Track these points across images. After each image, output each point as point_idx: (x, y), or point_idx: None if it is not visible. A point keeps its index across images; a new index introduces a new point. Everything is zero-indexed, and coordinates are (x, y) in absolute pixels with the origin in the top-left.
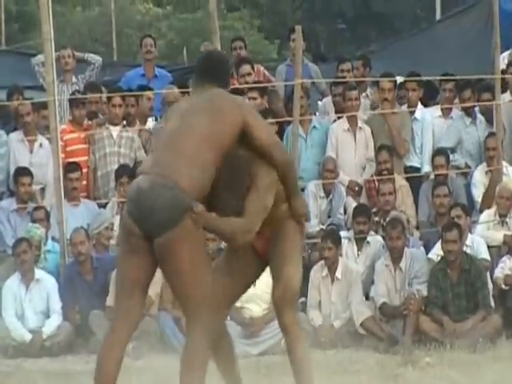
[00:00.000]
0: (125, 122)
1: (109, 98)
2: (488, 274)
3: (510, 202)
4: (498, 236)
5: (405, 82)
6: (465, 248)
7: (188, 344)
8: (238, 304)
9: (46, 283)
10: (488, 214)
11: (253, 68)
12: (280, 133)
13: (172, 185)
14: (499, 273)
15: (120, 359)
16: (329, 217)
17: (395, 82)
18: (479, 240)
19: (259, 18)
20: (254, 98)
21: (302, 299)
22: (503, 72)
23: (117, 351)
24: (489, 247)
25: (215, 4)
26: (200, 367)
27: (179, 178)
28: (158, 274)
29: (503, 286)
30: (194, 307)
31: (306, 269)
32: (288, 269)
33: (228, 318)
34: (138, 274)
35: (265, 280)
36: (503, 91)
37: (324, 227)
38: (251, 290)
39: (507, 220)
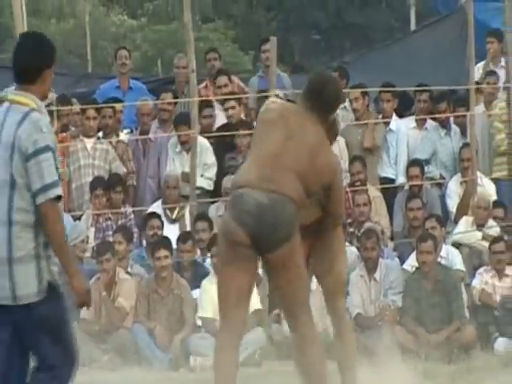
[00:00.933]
0: (100, 134)
1: (83, 110)
2: (463, 284)
3: (488, 212)
4: (477, 234)
5: (379, 92)
6: (439, 259)
7: (307, 334)
8: (210, 316)
9: None
10: (466, 221)
11: (229, 79)
12: None
13: (289, 200)
14: (477, 284)
15: (237, 364)
16: None
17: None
18: (454, 251)
19: (234, 29)
20: (233, 108)
21: (277, 311)
22: (478, 83)
23: (232, 359)
24: (464, 248)
25: (190, 15)
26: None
27: (289, 190)
28: (132, 286)
29: (477, 302)
30: (303, 306)
31: None
32: (337, 265)
33: (203, 330)
34: (244, 283)
35: None
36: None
37: None
38: None
39: (484, 230)
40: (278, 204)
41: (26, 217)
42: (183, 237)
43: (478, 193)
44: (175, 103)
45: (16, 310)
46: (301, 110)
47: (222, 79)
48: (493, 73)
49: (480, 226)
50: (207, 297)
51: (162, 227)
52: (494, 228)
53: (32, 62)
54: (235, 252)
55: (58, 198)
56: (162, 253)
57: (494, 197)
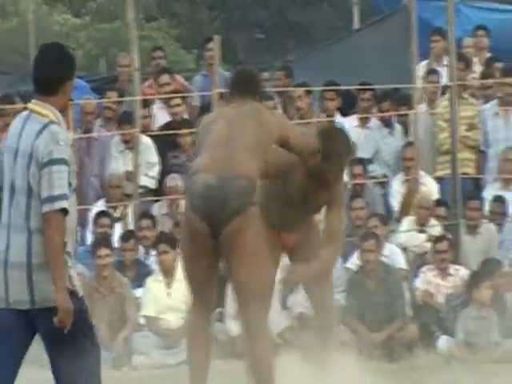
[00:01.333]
0: None
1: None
2: (405, 283)
3: (429, 212)
4: (420, 237)
5: (323, 91)
6: (382, 258)
7: (254, 328)
8: (153, 314)
9: None
10: (408, 220)
11: (171, 78)
12: None
13: (238, 175)
14: (419, 283)
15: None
16: None
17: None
18: (396, 250)
19: (177, 28)
20: (178, 106)
21: (219, 309)
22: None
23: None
24: (409, 252)
25: (133, 14)
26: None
27: (240, 167)
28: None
29: (420, 302)
30: (256, 298)
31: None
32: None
33: (145, 329)
34: (207, 274)
35: (179, 290)
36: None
37: None
38: (167, 301)
39: (426, 229)
40: (226, 182)
41: (43, 224)
42: (125, 235)
43: (419, 192)
44: (120, 102)
45: (34, 313)
46: (231, 102)
47: (165, 78)
48: (434, 71)
49: (422, 225)
50: (150, 295)
51: (111, 226)
52: (436, 227)
53: (54, 74)
54: (196, 244)
55: (64, 211)
56: (103, 251)
57: (437, 195)
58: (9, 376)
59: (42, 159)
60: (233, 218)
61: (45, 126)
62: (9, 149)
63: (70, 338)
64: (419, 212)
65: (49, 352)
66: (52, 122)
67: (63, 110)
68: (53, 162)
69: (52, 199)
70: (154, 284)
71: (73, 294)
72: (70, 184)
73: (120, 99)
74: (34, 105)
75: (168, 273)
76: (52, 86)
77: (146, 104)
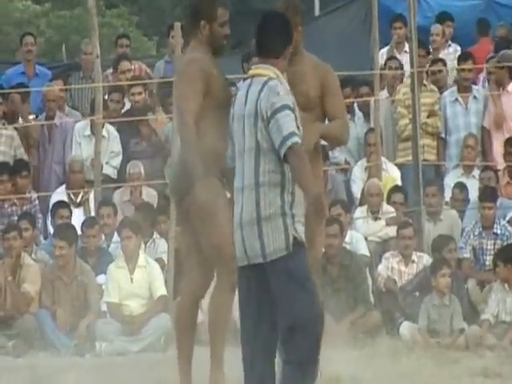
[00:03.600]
0: (3, 121)
1: None
2: (367, 269)
3: (379, 199)
4: (377, 224)
5: None
6: (344, 245)
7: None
8: (116, 301)
9: None
10: (361, 211)
11: (131, 64)
12: None
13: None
14: (382, 270)
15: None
16: None
17: None
18: (358, 236)
19: (138, 15)
20: (140, 93)
21: None
22: (382, 68)
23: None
24: (368, 241)
25: (94, 1)
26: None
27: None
28: (38, 271)
29: (382, 289)
30: (213, 258)
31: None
32: (318, 239)
33: (108, 315)
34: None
35: (142, 276)
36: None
37: None
38: (128, 287)
39: (380, 216)
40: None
41: (272, 177)
42: (88, 222)
43: (368, 181)
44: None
45: (265, 266)
46: None
47: (125, 64)
48: (394, 58)
49: (374, 212)
50: (113, 282)
51: (70, 216)
52: (391, 214)
53: (279, 39)
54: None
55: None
56: (59, 243)
57: (399, 182)
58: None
59: (267, 113)
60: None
61: (264, 84)
62: (237, 117)
63: (296, 284)
64: (370, 200)
65: (276, 300)
66: (270, 78)
67: (283, 72)
68: (277, 111)
69: (284, 140)
70: (117, 270)
71: (297, 240)
72: (297, 127)
73: (82, 86)
74: (255, 69)
75: (130, 259)
76: (276, 50)
77: (113, 90)
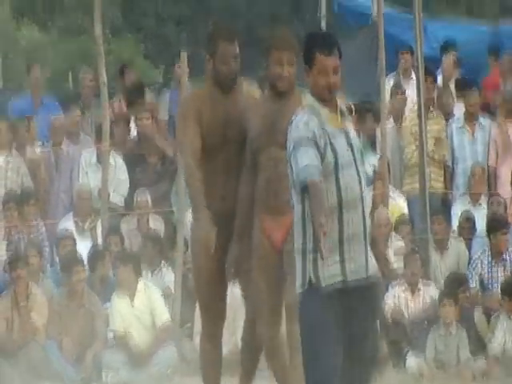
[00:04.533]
0: (13, 149)
1: None
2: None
3: (388, 229)
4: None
5: None
6: None
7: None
8: (120, 330)
9: None
10: None
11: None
12: None
13: None
14: (389, 300)
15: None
16: None
17: None
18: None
19: (144, 43)
20: (147, 118)
21: (188, 324)
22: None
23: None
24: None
25: (100, 29)
26: None
27: None
28: (45, 300)
29: (389, 320)
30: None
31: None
32: None
33: (114, 344)
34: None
35: (142, 302)
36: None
37: None
38: (130, 314)
39: (388, 246)
40: None
41: (296, 210)
42: (95, 251)
43: (376, 212)
44: (84, 117)
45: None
46: None
47: (135, 93)
48: (399, 85)
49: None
50: (115, 311)
51: (74, 246)
52: (399, 242)
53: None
54: None
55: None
56: (77, 268)
57: (405, 210)
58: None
59: (289, 148)
60: None
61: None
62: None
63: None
64: (378, 230)
65: (359, 327)
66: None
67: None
68: (294, 145)
69: (297, 174)
70: (118, 299)
71: (312, 283)
72: (318, 157)
73: (85, 114)
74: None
75: (129, 288)
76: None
77: (120, 119)
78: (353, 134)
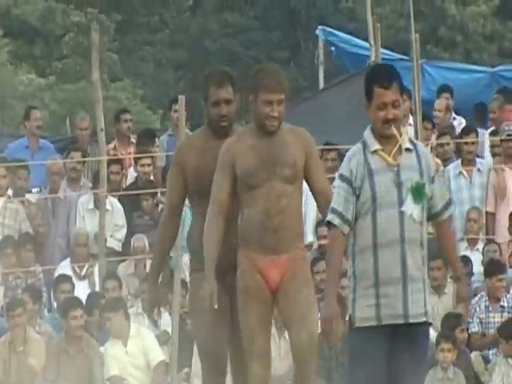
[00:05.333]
0: (10, 193)
1: None
2: None
3: None
4: None
5: None
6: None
7: None
8: (116, 373)
9: None
10: None
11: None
12: None
13: None
14: None
15: None
16: None
17: None
18: None
19: (142, 88)
20: (149, 165)
21: (186, 370)
22: None
23: None
24: None
25: (98, 74)
26: None
27: None
28: (42, 345)
29: None
30: None
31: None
32: (312, 314)
33: None
34: None
35: (136, 347)
36: None
37: None
38: (125, 360)
39: None
40: None
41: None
42: (93, 297)
43: None
44: (84, 162)
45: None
46: None
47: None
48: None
49: None
50: (110, 358)
51: (72, 290)
52: None
53: None
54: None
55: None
56: (77, 312)
57: None
58: None
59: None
60: None
61: None
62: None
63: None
64: None
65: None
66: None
67: None
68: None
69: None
70: (111, 346)
71: (351, 321)
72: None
73: (84, 159)
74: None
75: (120, 333)
76: None
77: (112, 162)
78: (410, 172)
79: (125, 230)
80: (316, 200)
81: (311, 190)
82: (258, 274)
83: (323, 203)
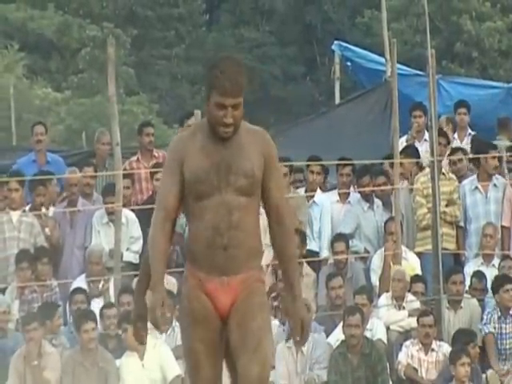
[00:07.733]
0: (27, 208)
1: (6, 183)
2: (385, 356)
3: (404, 285)
4: (400, 313)
5: (307, 166)
6: (365, 332)
7: None
8: None
9: None
10: (386, 298)
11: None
12: None
13: None
14: (402, 358)
15: None
16: None
17: (291, 166)
18: (377, 321)
19: (158, 103)
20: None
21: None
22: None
23: None
24: (390, 330)
25: (114, 88)
26: None
27: None
28: (58, 358)
29: (403, 377)
30: None
31: None
32: (266, 343)
33: None
34: None
35: (152, 360)
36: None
37: None
38: (141, 373)
39: (404, 304)
40: None
41: None
42: (107, 307)
43: (393, 266)
44: (95, 177)
45: None
46: None
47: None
48: (411, 146)
49: (399, 299)
50: (126, 372)
51: (86, 301)
52: (414, 302)
53: None
54: None
55: None
56: (90, 325)
57: (418, 271)
58: None
59: None
60: None
61: None
62: None
63: None
64: (395, 285)
65: None
66: None
67: None
68: None
69: None
70: (127, 359)
71: None
72: None
73: (95, 174)
74: None
75: (138, 345)
76: None
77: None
78: None
79: (141, 242)
80: (267, 215)
81: (262, 201)
82: (206, 296)
83: (273, 220)
